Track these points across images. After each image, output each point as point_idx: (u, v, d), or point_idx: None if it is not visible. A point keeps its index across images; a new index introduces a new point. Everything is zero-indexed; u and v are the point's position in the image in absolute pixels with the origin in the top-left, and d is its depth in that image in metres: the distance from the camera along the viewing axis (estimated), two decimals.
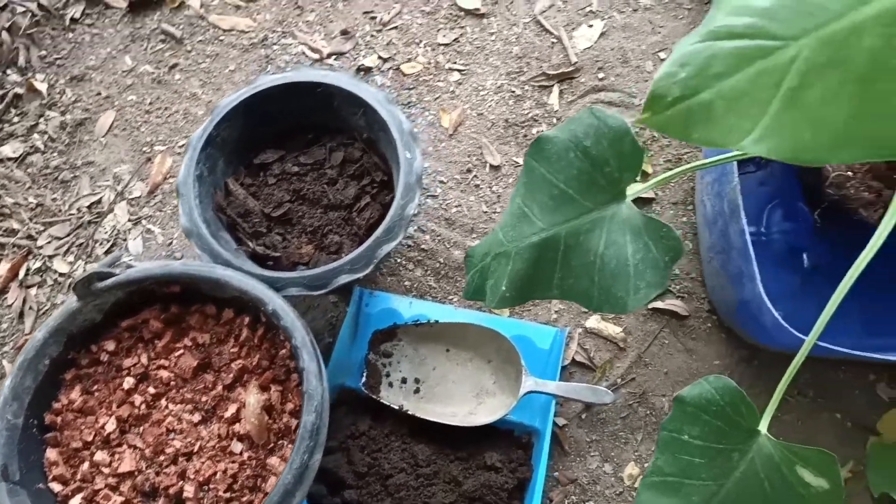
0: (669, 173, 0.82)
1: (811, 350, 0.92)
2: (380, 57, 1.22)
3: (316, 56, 1.22)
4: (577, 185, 0.83)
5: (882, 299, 1.06)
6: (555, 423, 1.01)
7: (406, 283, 1.09)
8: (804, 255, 1.08)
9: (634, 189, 0.83)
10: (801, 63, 0.48)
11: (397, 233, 0.90)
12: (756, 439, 0.79)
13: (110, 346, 0.91)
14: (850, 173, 0.97)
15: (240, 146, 1.00)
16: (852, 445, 1.00)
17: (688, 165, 0.83)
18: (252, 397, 0.86)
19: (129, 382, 0.89)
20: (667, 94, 0.50)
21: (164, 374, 0.89)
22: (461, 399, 0.99)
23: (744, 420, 0.79)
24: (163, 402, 0.89)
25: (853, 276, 0.86)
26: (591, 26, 1.23)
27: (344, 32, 1.24)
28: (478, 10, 1.25)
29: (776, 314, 0.88)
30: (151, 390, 0.89)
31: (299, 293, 0.88)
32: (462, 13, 1.25)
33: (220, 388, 0.88)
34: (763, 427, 0.79)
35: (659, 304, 1.08)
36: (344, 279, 0.88)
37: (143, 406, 0.88)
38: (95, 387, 0.90)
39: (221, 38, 1.26)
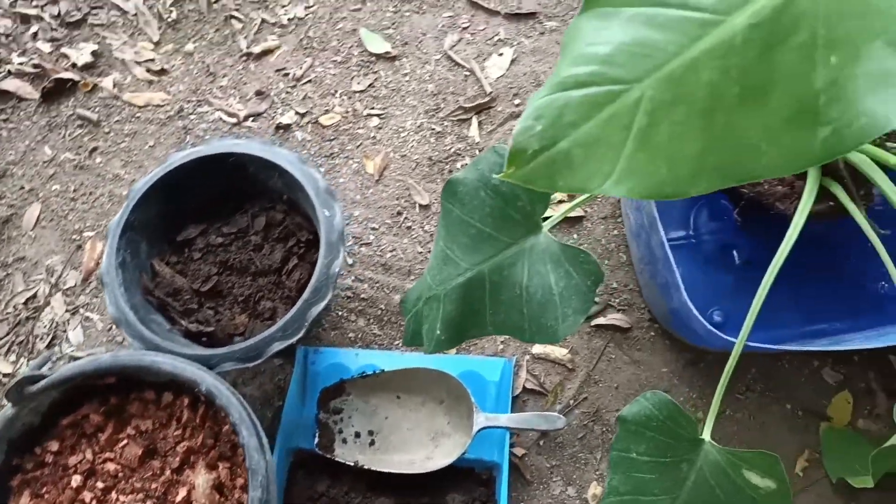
0: (588, 194, 0.83)
1: (753, 346, 0.93)
2: (297, 112, 1.23)
3: (233, 120, 1.23)
4: (493, 223, 0.84)
5: (817, 286, 1.08)
6: (513, 454, 1.01)
7: (350, 334, 1.09)
8: (734, 253, 1.10)
9: (561, 210, 0.85)
10: (647, 103, 0.49)
11: (325, 292, 0.90)
12: (701, 448, 0.80)
13: (54, 446, 0.90)
14: None
15: (160, 225, 1.00)
16: (806, 433, 1.01)
17: None
18: (200, 478, 0.86)
19: (76, 480, 0.88)
20: (527, 147, 0.51)
21: (110, 466, 0.89)
22: (417, 445, 0.99)
23: (686, 431, 0.80)
24: (113, 495, 0.88)
25: (774, 271, 0.88)
26: (501, 55, 1.24)
27: (259, 93, 1.25)
28: (388, 53, 1.26)
29: (703, 320, 0.90)
30: (100, 485, 0.88)
31: (234, 367, 0.88)
32: (374, 58, 1.27)
33: (168, 472, 0.88)
34: (706, 435, 0.81)
35: (601, 321, 1.09)
36: (277, 346, 0.88)
37: (94, 502, 0.87)
38: (44, 489, 0.89)
39: (138, 115, 1.26)
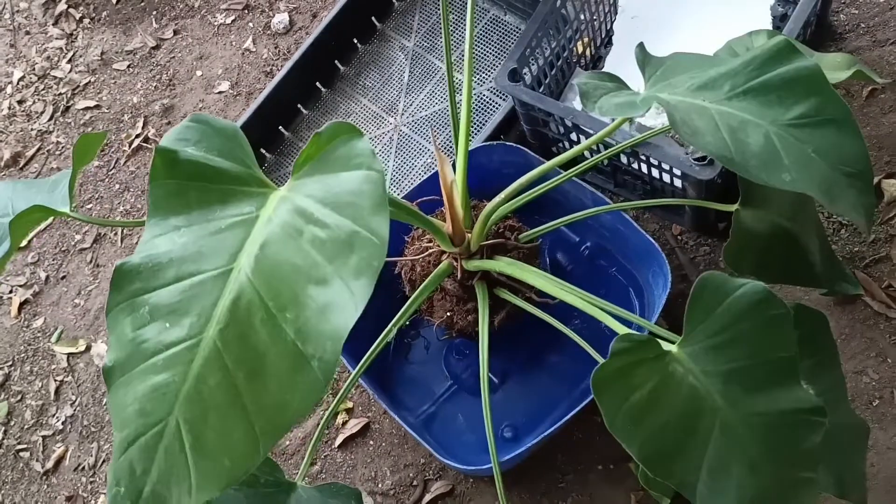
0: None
1: (508, 459, 1.06)
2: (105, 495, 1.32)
3: None
4: None
5: (561, 357, 1.23)
6: None
7: None
8: (490, 375, 1.24)
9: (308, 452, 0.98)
10: (185, 425, 0.63)
11: None
12: None
13: None
14: (445, 315, 1.15)
15: None
16: (626, 479, 1.13)
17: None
18: None
19: None
20: None
21: None
22: None
23: None
24: None
25: (485, 387, 1.02)
26: None
27: (68, 499, 1.35)
28: None
29: (468, 467, 1.03)
30: None
31: None
32: None
33: None
34: None
35: (427, 498, 1.19)
36: None
37: None
38: None
39: None
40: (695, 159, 1.05)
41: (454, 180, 1.02)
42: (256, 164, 0.72)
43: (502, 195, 1.04)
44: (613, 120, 1.24)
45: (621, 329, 0.79)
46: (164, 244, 0.68)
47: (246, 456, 0.63)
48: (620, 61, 1.30)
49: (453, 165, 1.06)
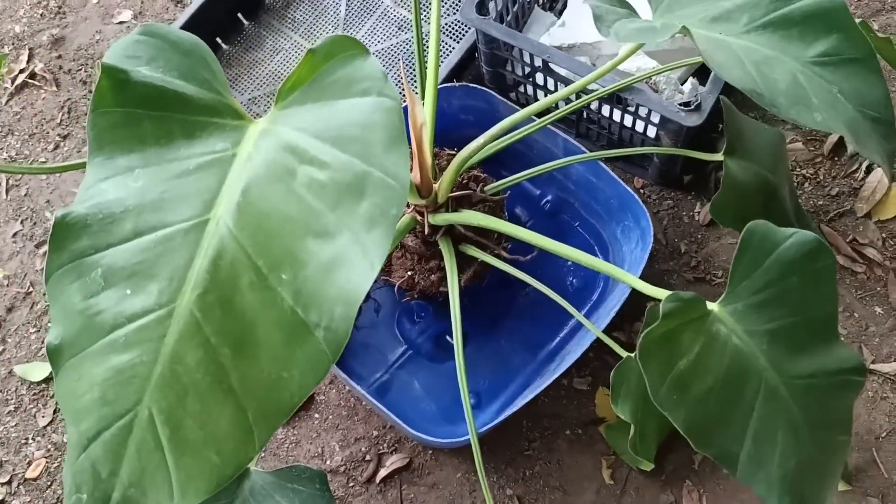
0: None
1: (484, 430, 0.97)
2: (5, 483, 1.15)
3: None
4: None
5: (527, 319, 1.14)
6: None
7: None
8: (447, 338, 1.14)
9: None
10: (159, 414, 0.51)
11: None
12: None
13: None
14: (406, 274, 1.04)
15: None
16: (595, 444, 1.07)
17: None
18: None
19: None
20: None
21: None
22: None
23: None
24: None
25: (459, 347, 0.92)
26: None
27: None
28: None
29: (433, 438, 0.93)
30: None
31: None
32: (42, 385, 1.21)
33: None
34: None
35: (382, 473, 1.09)
36: None
37: None
38: None
39: None
40: (680, 104, 0.98)
41: (424, 123, 0.91)
42: (228, 89, 0.59)
43: (480, 141, 0.93)
44: (593, 61, 1.15)
45: (625, 278, 0.72)
46: (113, 190, 0.53)
47: (238, 448, 0.51)
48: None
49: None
